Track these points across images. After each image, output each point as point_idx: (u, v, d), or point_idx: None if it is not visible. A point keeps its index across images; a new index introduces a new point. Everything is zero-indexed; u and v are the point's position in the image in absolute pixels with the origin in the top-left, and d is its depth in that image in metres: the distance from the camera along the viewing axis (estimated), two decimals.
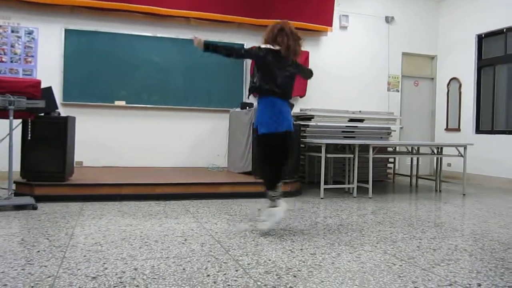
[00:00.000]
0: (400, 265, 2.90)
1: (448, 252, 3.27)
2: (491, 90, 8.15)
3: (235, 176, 6.40)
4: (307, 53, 8.05)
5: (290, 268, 2.78)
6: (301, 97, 8.07)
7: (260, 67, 3.79)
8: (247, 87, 7.74)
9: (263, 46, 3.77)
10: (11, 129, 4.42)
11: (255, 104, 7.13)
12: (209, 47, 3.77)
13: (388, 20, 8.82)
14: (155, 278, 2.52)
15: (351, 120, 7.34)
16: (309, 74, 4.25)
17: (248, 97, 3.96)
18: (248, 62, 7.76)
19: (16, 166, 4.73)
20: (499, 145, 7.68)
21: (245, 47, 7.68)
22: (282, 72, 3.76)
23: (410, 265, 2.91)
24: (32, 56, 6.69)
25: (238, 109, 6.90)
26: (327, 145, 6.02)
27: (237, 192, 5.57)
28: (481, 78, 8.38)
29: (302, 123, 6.87)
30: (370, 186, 5.99)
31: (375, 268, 2.82)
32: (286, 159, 3.87)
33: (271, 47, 3.75)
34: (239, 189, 5.65)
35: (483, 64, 8.33)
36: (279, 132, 3.71)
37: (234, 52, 3.92)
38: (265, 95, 3.76)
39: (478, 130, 8.32)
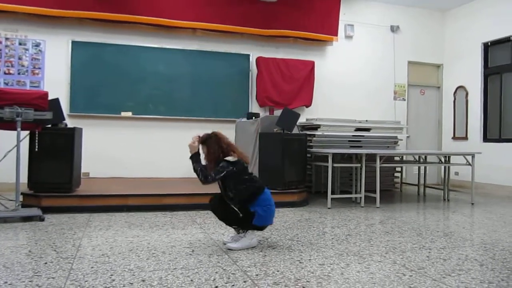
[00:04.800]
0: (410, 276, 2.86)
1: (459, 262, 3.23)
2: (498, 98, 8.11)
3: None
4: (312, 63, 8.08)
5: (298, 279, 2.75)
6: (307, 106, 8.06)
7: None
8: (253, 97, 7.83)
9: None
10: (18, 141, 4.44)
11: (261, 114, 7.17)
12: (193, 159, 3.78)
13: (394, 29, 8.82)
14: None
15: (358, 129, 7.31)
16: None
17: None
18: (254, 74, 7.79)
19: (24, 178, 4.75)
20: (507, 153, 7.62)
21: (251, 57, 7.76)
22: None
23: (421, 275, 2.88)
24: (40, 68, 6.74)
25: (244, 119, 6.91)
26: (334, 154, 6.00)
27: None
28: (488, 86, 8.35)
29: (308, 132, 6.85)
30: (377, 195, 5.95)
31: (385, 279, 2.78)
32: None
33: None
34: None
35: (490, 72, 8.30)
36: None
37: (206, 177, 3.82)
38: None
39: (486, 139, 8.27)
